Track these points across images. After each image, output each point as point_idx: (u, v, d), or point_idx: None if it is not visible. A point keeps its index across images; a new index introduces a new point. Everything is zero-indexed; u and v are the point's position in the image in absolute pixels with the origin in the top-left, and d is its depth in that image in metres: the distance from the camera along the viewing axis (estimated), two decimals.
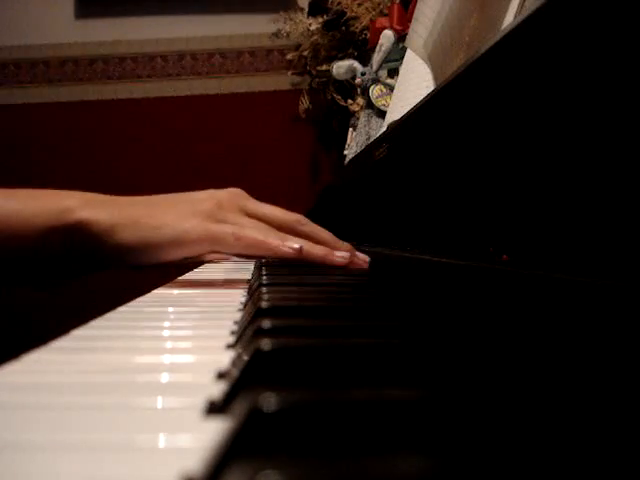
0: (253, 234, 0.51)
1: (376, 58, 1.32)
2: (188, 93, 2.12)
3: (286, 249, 0.51)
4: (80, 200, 0.52)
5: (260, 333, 0.24)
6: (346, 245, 0.55)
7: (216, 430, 0.15)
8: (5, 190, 0.53)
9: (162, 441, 0.15)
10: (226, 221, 0.52)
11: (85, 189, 0.57)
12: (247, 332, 0.25)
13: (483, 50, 0.34)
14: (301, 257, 0.52)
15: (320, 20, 1.78)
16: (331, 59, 1.73)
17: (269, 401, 0.14)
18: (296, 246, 0.51)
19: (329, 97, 1.87)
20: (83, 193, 0.53)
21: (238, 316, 0.35)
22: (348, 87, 1.67)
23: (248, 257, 0.63)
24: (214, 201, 0.53)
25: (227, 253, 0.56)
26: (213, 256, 0.93)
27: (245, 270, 0.77)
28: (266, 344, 0.19)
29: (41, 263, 0.53)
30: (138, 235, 0.50)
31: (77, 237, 0.50)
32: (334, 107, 1.85)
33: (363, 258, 0.56)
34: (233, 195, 0.55)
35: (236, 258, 1.01)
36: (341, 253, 0.54)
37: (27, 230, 0.50)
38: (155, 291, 0.51)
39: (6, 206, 0.51)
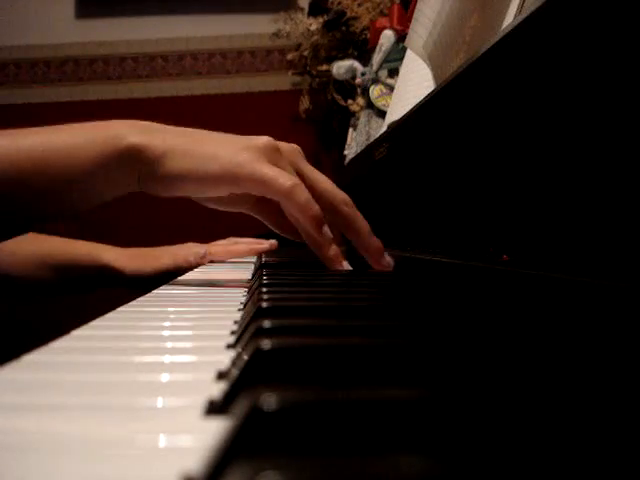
0: (304, 197, 0.48)
1: (376, 58, 1.32)
2: (188, 93, 2.12)
3: (322, 235, 0.49)
4: (131, 127, 0.51)
5: (260, 333, 0.24)
6: (378, 243, 0.53)
7: (216, 430, 0.15)
8: (52, 126, 0.53)
9: (162, 441, 0.15)
10: (279, 166, 0.50)
11: None
12: (247, 332, 0.25)
13: (483, 50, 0.34)
14: (325, 256, 0.51)
15: (320, 20, 1.78)
16: (331, 59, 1.73)
17: (269, 401, 0.14)
18: (332, 253, 0.50)
19: (329, 97, 1.87)
20: (134, 121, 0.52)
21: (238, 316, 0.35)
22: (348, 87, 1.67)
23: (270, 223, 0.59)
24: (272, 143, 0.51)
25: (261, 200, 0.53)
26: (215, 248, 0.95)
27: (245, 270, 0.77)
28: (266, 344, 0.19)
29: (96, 191, 0.52)
30: (189, 163, 0.49)
31: (128, 162, 0.49)
32: (334, 107, 1.85)
33: (389, 261, 0.52)
34: (292, 148, 0.54)
35: (236, 258, 1.01)
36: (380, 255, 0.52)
37: (79, 159, 0.49)
38: (155, 291, 0.51)
39: (56, 139, 0.50)
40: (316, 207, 0.49)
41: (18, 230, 0.54)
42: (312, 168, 0.54)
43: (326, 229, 0.50)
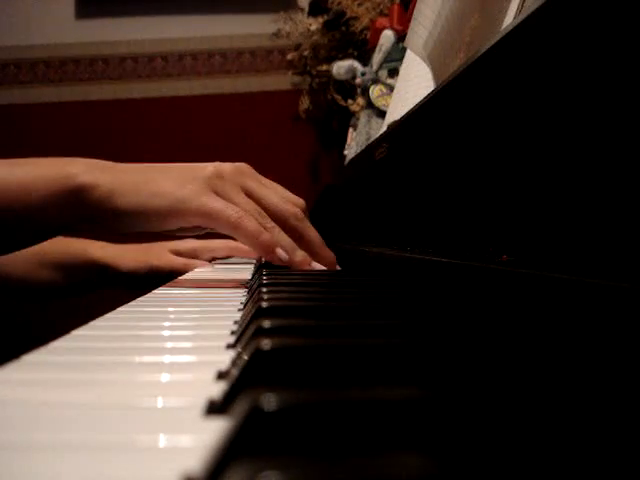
0: (251, 226, 0.50)
1: (376, 58, 1.32)
2: (188, 93, 2.12)
3: (275, 255, 0.52)
4: (82, 166, 0.53)
5: (260, 333, 0.24)
6: (329, 254, 0.57)
7: (216, 430, 0.15)
8: (10, 160, 0.55)
9: (162, 441, 0.15)
10: (224, 195, 0.51)
11: None
12: (247, 332, 0.25)
13: (483, 50, 0.34)
14: (282, 264, 0.53)
15: (320, 20, 1.78)
16: (331, 59, 1.73)
17: (269, 401, 0.14)
18: (285, 256, 0.52)
19: (329, 97, 1.86)
20: (86, 159, 0.55)
21: (238, 316, 0.35)
22: (348, 87, 1.67)
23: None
24: (216, 171, 0.53)
25: (215, 231, 0.55)
26: (216, 243, 0.96)
27: (245, 270, 0.77)
28: (266, 344, 0.19)
29: (47, 227, 0.54)
30: (136, 200, 0.51)
31: (79, 201, 0.51)
32: (334, 107, 1.84)
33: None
34: (237, 169, 0.54)
35: (237, 258, 1.01)
36: (317, 265, 0.55)
37: (31, 196, 0.51)
38: (155, 291, 0.51)
39: (11, 175, 0.52)
40: (264, 235, 0.51)
41: None
42: (261, 183, 0.55)
43: (279, 251, 0.52)
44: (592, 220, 0.23)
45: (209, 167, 0.53)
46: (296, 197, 0.57)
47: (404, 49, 0.96)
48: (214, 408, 0.18)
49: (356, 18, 1.69)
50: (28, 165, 0.54)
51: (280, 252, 0.52)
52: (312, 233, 0.55)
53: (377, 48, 1.31)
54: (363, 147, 1.07)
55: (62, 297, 0.98)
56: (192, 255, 0.94)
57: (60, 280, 0.89)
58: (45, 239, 0.56)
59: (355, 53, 1.69)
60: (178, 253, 0.92)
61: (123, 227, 0.53)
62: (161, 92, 2.11)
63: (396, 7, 1.29)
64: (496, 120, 0.32)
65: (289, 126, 2.07)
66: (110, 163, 0.55)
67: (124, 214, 0.51)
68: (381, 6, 1.63)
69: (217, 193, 0.52)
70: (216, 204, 0.50)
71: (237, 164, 0.55)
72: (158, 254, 0.91)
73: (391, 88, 1.24)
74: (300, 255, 0.53)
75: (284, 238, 0.53)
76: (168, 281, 0.61)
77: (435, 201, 0.44)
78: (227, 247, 0.96)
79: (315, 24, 1.80)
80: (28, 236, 0.56)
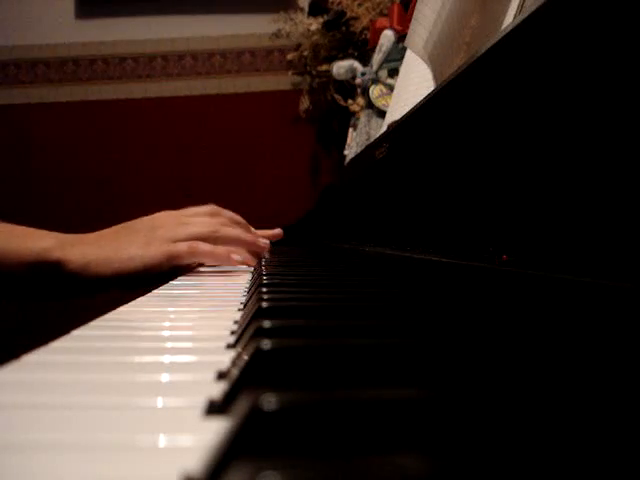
0: (204, 248, 0.64)
1: (376, 58, 1.32)
2: (188, 93, 2.12)
3: (232, 259, 0.66)
4: (54, 241, 0.61)
5: (260, 333, 0.24)
6: (256, 238, 0.74)
7: (216, 430, 0.15)
8: None
9: (162, 441, 0.15)
10: (177, 239, 0.65)
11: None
12: (247, 332, 0.25)
13: (483, 50, 0.34)
14: (236, 264, 0.68)
15: (320, 20, 1.78)
16: (331, 59, 1.73)
17: (269, 401, 0.14)
18: (238, 258, 0.67)
19: (329, 97, 1.86)
20: (55, 234, 0.62)
21: (238, 316, 0.35)
22: (348, 87, 1.67)
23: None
24: (163, 227, 0.66)
25: (185, 263, 0.68)
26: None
27: (245, 270, 0.77)
28: (266, 344, 0.19)
29: (29, 287, 0.63)
30: (112, 268, 0.61)
31: (56, 272, 0.59)
32: (334, 107, 1.84)
33: (265, 243, 0.74)
34: (169, 219, 0.68)
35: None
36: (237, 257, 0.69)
37: (13, 265, 0.59)
38: (155, 291, 0.51)
39: None
40: (217, 249, 0.66)
41: None
42: (186, 224, 0.68)
43: (234, 256, 0.68)
44: (592, 220, 0.23)
45: (158, 228, 0.66)
46: (204, 223, 0.70)
47: (404, 49, 0.96)
48: (214, 408, 0.18)
49: (356, 18, 1.69)
50: (5, 235, 0.61)
51: (235, 257, 0.67)
52: (232, 233, 0.70)
53: (377, 48, 1.31)
54: (363, 147, 1.07)
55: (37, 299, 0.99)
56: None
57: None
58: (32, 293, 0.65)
59: (355, 53, 1.69)
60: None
61: (104, 287, 0.63)
62: (161, 92, 2.11)
63: (396, 7, 1.29)
64: (496, 120, 0.32)
65: (289, 126, 2.07)
66: (77, 237, 0.63)
67: (102, 279, 0.61)
68: (381, 6, 1.63)
69: (172, 240, 0.65)
70: (175, 247, 0.64)
71: (161, 214, 0.69)
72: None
73: (391, 88, 1.24)
74: (241, 258, 0.69)
75: (235, 251, 0.68)
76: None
77: (435, 201, 0.44)
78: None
79: (315, 24, 1.80)
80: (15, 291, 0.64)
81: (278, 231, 0.85)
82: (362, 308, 0.32)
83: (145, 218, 0.67)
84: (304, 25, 1.85)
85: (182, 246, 0.64)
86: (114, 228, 0.66)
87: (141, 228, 0.66)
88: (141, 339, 0.29)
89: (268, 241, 0.76)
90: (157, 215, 0.68)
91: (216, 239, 0.67)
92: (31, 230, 0.62)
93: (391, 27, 1.27)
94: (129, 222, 0.67)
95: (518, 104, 0.30)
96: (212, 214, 0.71)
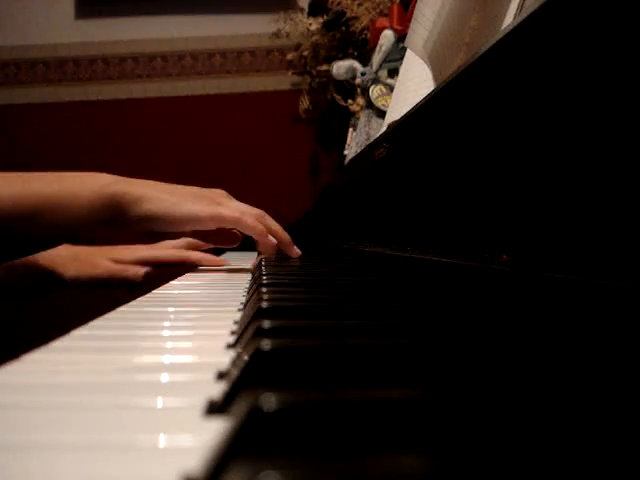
0: (249, 219, 0.69)
1: (376, 58, 1.32)
2: (188, 93, 2.12)
3: (269, 239, 0.71)
4: (111, 178, 0.66)
5: (260, 333, 0.24)
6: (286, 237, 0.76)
7: (216, 430, 0.15)
8: (51, 173, 0.67)
9: (162, 441, 0.15)
10: (227, 205, 0.70)
11: None
12: (247, 332, 0.25)
13: (483, 50, 0.34)
14: (274, 246, 0.72)
15: (320, 20, 1.78)
16: (331, 59, 1.72)
17: (269, 401, 0.14)
18: (274, 241, 0.72)
19: (329, 97, 1.86)
20: (112, 175, 0.67)
21: (238, 316, 0.35)
22: (348, 87, 1.67)
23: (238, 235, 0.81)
24: (215, 193, 0.72)
25: (227, 227, 0.72)
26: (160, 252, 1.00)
27: (245, 270, 0.77)
28: (266, 344, 0.19)
29: (85, 228, 0.67)
30: (161, 206, 0.65)
31: (112, 205, 0.64)
32: (334, 107, 1.84)
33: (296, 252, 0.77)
34: (223, 192, 0.74)
35: (233, 264, 1.01)
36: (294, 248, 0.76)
37: (78, 202, 0.64)
38: (155, 291, 0.51)
39: (59, 186, 0.65)
40: (259, 226, 0.70)
41: (18, 254, 0.72)
42: (235, 201, 0.73)
43: (270, 237, 0.72)
44: (592, 220, 0.23)
45: (211, 191, 0.71)
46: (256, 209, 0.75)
47: (404, 49, 0.96)
48: (214, 408, 0.18)
49: (356, 18, 1.69)
50: (70, 178, 0.66)
51: (271, 238, 0.71)
52: (275, 224, 0.74)
53: (377, 48, 1.31)
54: (363, 147, 1.07)
55: (14, 298, 1.00)
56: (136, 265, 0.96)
57: (13, 280, 0.90)
58: (80, 238, 0.72)
59: (355, 53, 1.69)
60: (121, 262, 0.95)
61: (147, 228, 0.66)
62: (161, 92, 2.11)
63: (396, 7, 1.29)
64: (496, 120, 0.32)
65: (289, 126, 2.07)
66: (131, 179, 0.67)
67: (150, 216, 0.64)
68: (381, 6, 1.63)
69: (220, 205, 0.70)
70: (226, 211, 0.68)
71: (217, 190, 0.74)
72: (93, 263, 0.94)
73: (391, 88, 1.24)
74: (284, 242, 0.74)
75: (267, 227, 0.72)
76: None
77: (435, 201, 0.44)
78: (178, 258, 0.97)
79: (315, 24, 1.80)
80: (65, 237, 0.70)
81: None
82: (362, 308, 0.32)
83: (202, 189, 0.73)
84: (304, 25, 1.85)
85: (229, 211, 0.68)
86: (168, 183, 0.71)
87: (196, 188, 0.71)
88: (141, 339, 0.29)
89: (299, 254, 0.78)
90: (211, 189, 0.74)
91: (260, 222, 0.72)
92: (88, 173, 0.67)
93: (391, 27, 1.27)
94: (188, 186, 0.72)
95: (518, 104, 0.30)
96: (261, 216, 0.76)
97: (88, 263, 0.94)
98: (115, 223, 0.65)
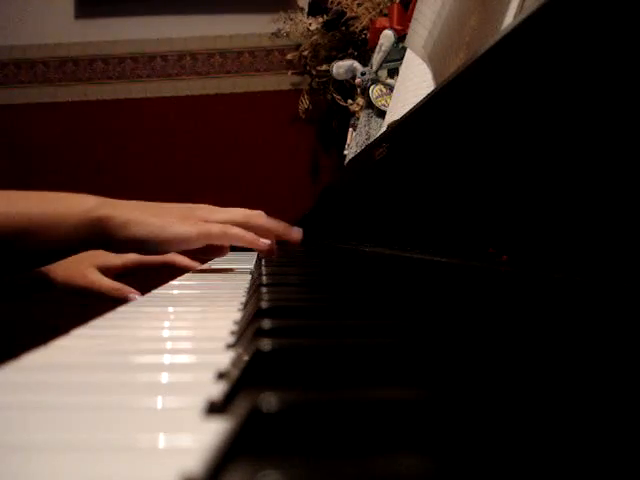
0: (235, 231, 0.68)
1: (376, 58, 1.32)
2: (188, 93, 2.12)
3: (260, 243, 0.69)
4: (97, 201, 0.65)
5: (260, 333, 0.24)
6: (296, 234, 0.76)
7: (216, 430, 0.15)
8: (36, 193, 0.67)
9: (162, 441, 0.15)
10: (213, 220, 0.69)
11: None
12: (247, 332, 0.25)
13: (483, 50, 0.34)
14: (268, 248, 0.71)
15: (320, 20, 1.78)
16: (331, 59, 1.72)
17: (269, 401, 0.14)
18: (267, 242, 0.70)
19: (329, 97, 1.86)
20: (97, 197, 0.67)
21: (238, 316, 0.35)
22: (348, 87, 1.67)
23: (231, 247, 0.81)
24: (201, 209, 0.71)
25: (215, 243, 0.71)
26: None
27: (245, 271, 0.77)
28: (266, 344, 0.19)
29: (68, 251, 0.67)
30: (148, 230, 0.64)
31: (98, 229, 0.63)
32: (334, 107, 1.84)
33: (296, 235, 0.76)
34: (207, 207, 0.73)
35: (233, 264, 1.01)
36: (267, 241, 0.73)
37: (64, 224, 0.63)
38: (155, 291, 0.51)
39: (44, 208, 0.64)
40: (247, 235, 0.69)
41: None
42: (222, 212, 0.73)
43: (263, 240, 0.70)
44: (592, 220, 0.23)
45: (197, 209, 0.71)
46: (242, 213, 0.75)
47: (404, 49, 0.96)
48: (214, 408, 0.17)
49: (356, 18, 1.69)
50: (55, 199, 0.66)
51: (263, 241, 0.70)
52: (265, 222, 0.73)
53: (377, 48, 1.31)
54: (363, 147, 1.07)
55: (12, 300, 1.00)
56: (121, 271, 0.97)
57: (7, 283, 0.91)
58: (65, 257, 0.69)
59: (355, 53, 1.69)
60: (107, 269, 0.95)
61: (134, 251, 0.67)
62: (161, 92, 2.11)
63: (396, 7, 1.29)
64: (496, 120, 0.32)
65: (289, 126, 2.07)
66: (119, 200, 0.67)
67: (137, 240, 0.64)
68: (381, 6, 1.63)
69: (208, 221, 0.69)
70: (211, 227, 0.67)
71: (201, 205, 0.73)
72: (83, 273, 0.95)
73: (391, 88, 1.24)
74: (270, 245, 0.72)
75: (258, 227, 0.72)
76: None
77: (435, 201, 0.44)
78: (163, 261, 0.98)
79: (315, 24, 1.80)
80: (48, 259, 0.69)
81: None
82: (362, 308, 0.32)
83: (186, 204, 0.72)
84: (304, 25, 1.85)
85: (216, 227, 0.68)
86: (153, 202, 0.70)
87: (180, 206, 0.71)
88: (141, 339, 0.29)
89: (300, 233, 0.77)
90: (195, 205, 0.74)
91: (249, 228, 0.71)
92: (74, 194, 0.67)
93: (391, 27, 1.27)
94: (174, 203, 0.72)
95: (518, 104, 0.30)
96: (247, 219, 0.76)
97: (78, 272, 0.95)
98: (101, 246, 0.66)
